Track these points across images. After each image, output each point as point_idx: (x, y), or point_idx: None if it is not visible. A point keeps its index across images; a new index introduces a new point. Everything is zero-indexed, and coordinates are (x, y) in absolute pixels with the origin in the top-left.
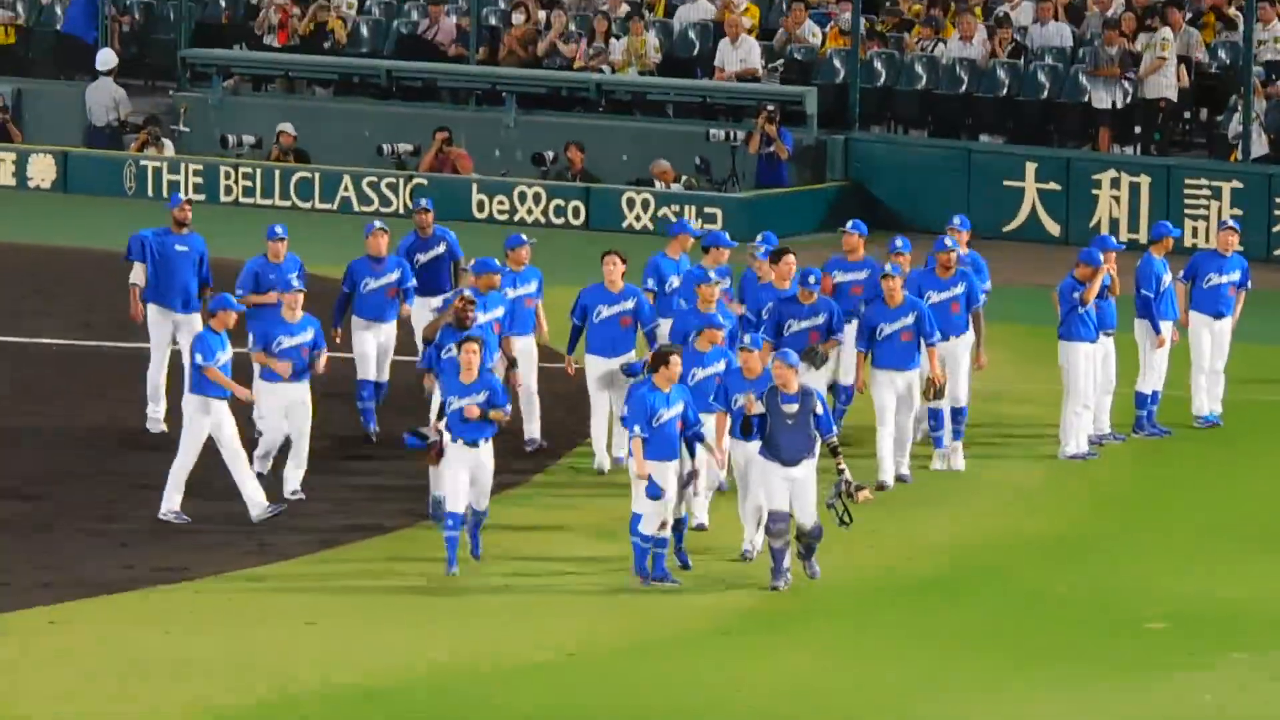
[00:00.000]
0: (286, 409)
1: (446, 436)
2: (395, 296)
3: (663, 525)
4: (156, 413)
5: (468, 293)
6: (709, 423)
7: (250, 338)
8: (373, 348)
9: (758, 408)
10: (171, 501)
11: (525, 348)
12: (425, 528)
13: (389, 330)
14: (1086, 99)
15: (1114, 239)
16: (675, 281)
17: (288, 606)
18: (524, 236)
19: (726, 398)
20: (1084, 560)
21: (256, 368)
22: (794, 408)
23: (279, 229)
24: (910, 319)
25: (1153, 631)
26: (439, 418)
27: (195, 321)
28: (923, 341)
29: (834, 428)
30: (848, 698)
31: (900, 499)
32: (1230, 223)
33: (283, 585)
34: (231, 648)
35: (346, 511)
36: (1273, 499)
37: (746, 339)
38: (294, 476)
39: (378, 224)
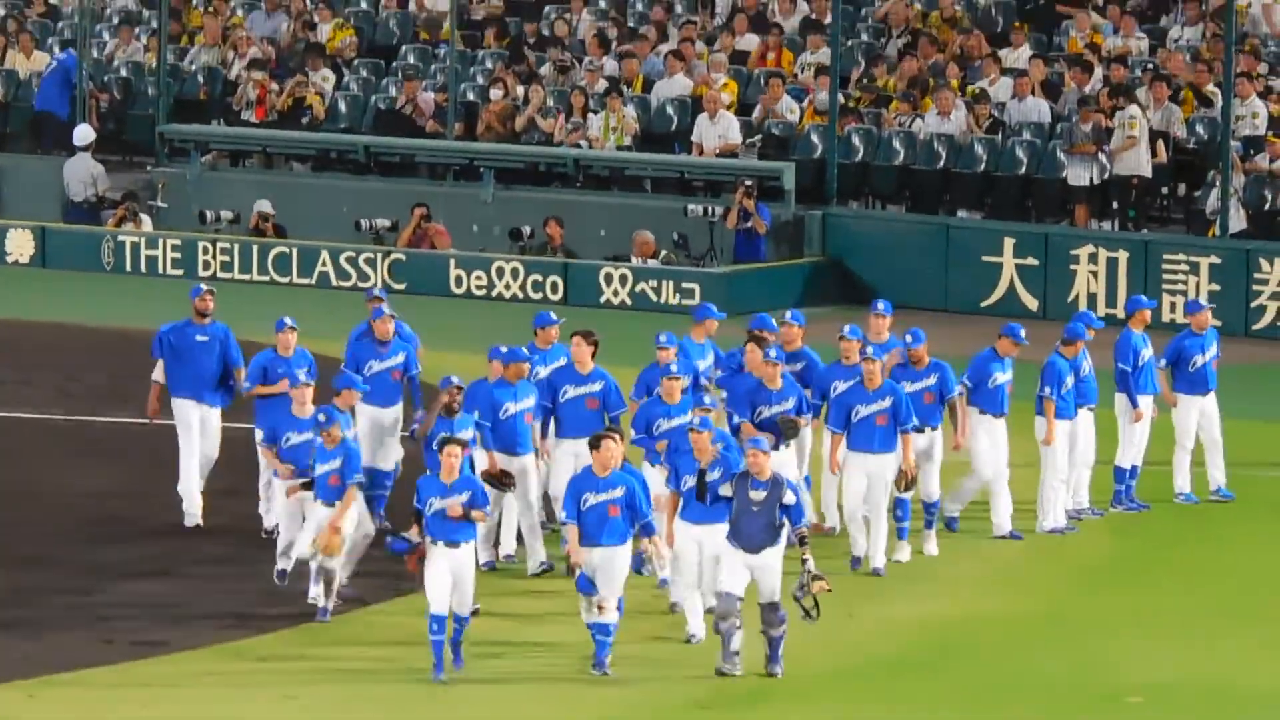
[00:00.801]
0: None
1: (427, 540)
2: (400, 380)
3: (601, 610)
4: (192, 509)
5: (456, 380)
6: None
7: (258, 433)
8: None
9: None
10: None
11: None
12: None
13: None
14: (1064, 175)
15: (1094, 315)
16: (701, 365)
17: (268, 679)
18: (552, 315)
19: (676, 479)
20: (1062, 636)
21: (262, 462)
22: (761, 495)
23: (288, 320)
24: (887, 403)
25: (1131, 706)
26: (418, 521)
27: (215, 416)
28: (898, 428)
29: (804, 518)
30: None
31: (875, 581)
32: (1202, 303)
33: (265, 657)
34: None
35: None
36: (1251, 575)
37: (696, 420)
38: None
39: (388, 305)
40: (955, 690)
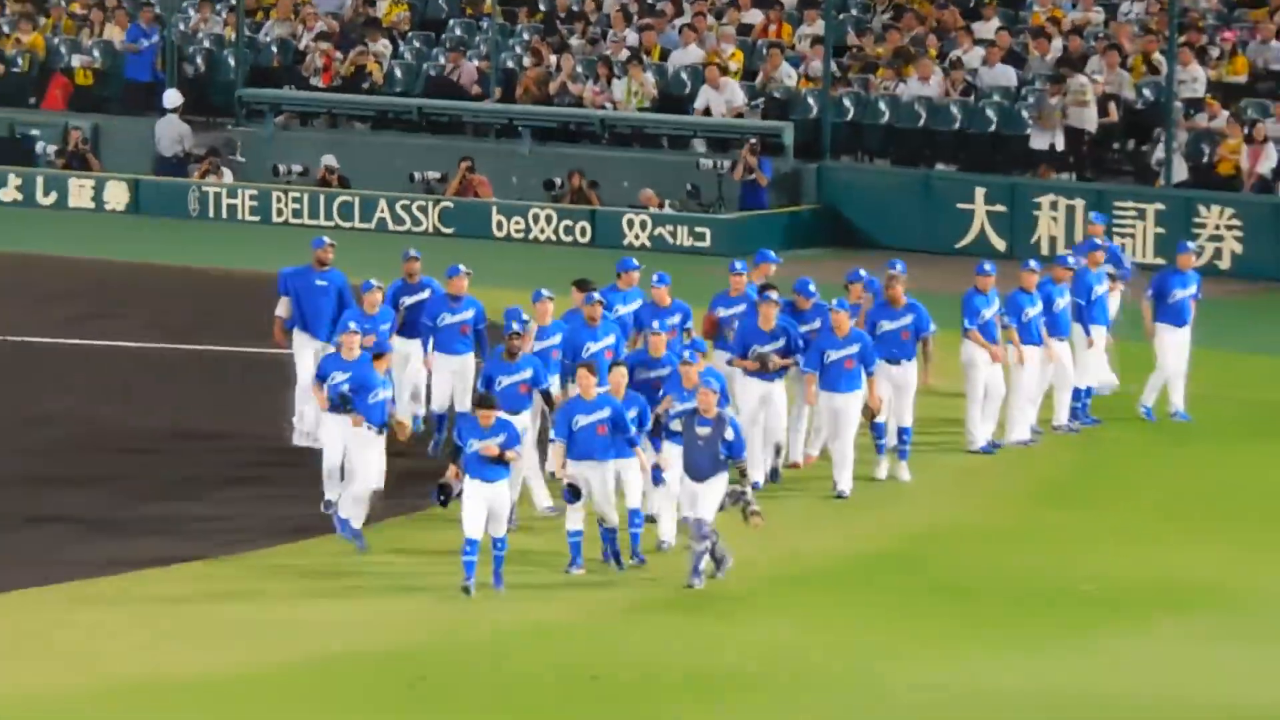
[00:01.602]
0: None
1: (465, 479)
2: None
3: (603, 520)
4: (302, 426)
5: (517, 326)
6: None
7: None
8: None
9: (674, 407)
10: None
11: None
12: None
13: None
14: (1028, 134)
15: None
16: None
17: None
18: (634, 261)
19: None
20: (1024, 540)
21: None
22: (707, 430)
23: (374, 282)
24: (855, 349)
25: (1084, 593)
26: (455, 459)
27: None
28: (863, 370)
29: (744, 451)
30: (819, 657)
31: (858, 497)
32: (1190, 245)
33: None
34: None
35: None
36: (1203, 483)
37: (686, 352)
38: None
39: (463, 269)
40: (933, 585)
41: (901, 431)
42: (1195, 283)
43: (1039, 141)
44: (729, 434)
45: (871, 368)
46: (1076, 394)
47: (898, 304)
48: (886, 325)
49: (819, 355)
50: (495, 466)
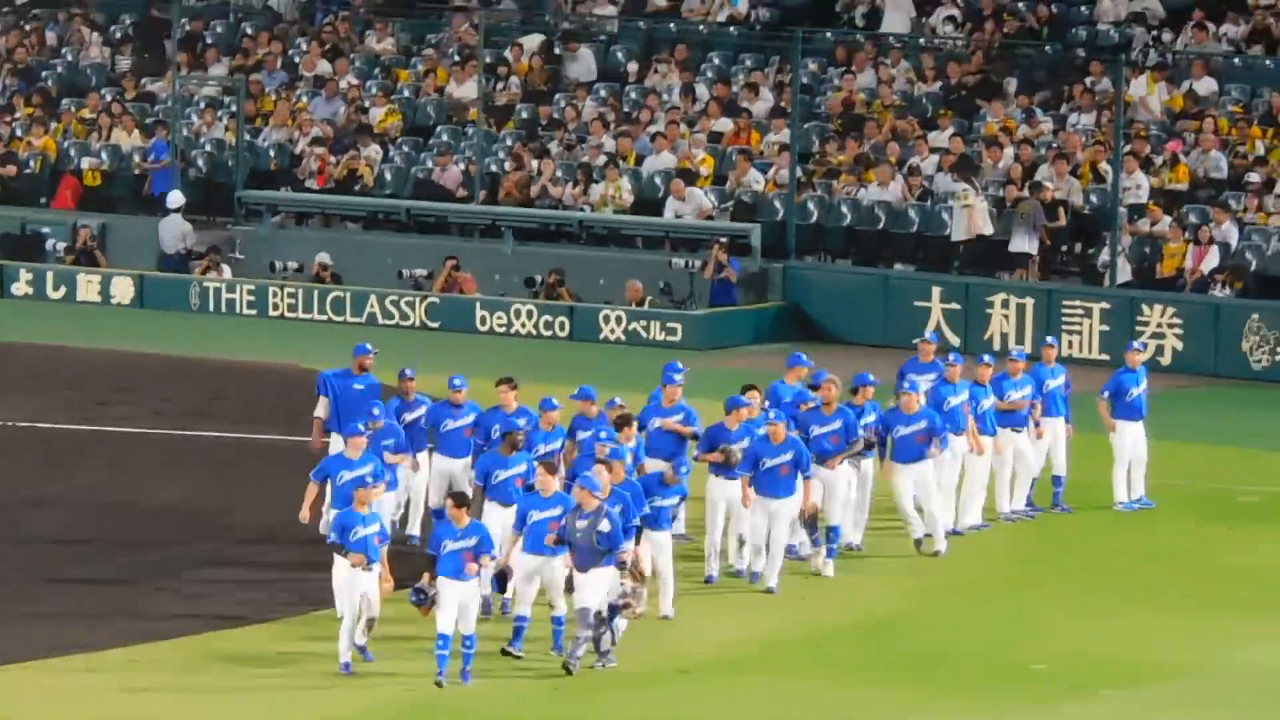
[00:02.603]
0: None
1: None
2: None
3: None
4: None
5: (523, 424)
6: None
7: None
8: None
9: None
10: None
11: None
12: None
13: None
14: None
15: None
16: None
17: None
18: (680, 364)
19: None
20: (978, 618)
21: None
22: (585, 524)
23: (409, 371)
24: (789, 455)
25: (1037, 672)
26: (430, 566)
27: None
28: (800, 474)
29: (621, 544)
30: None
31: (812, 581)
32: (1136, 344)
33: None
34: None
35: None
36: (1151, 562)
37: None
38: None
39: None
40: (889, 659)
41: (831, 530)
42: (1144, 378)
43: (1019, 244)
44: (604, 525)
45: (808, 472)
46: (1057, 481)
47: (830, 408)
48: (817, 430)
49: (754, 462)
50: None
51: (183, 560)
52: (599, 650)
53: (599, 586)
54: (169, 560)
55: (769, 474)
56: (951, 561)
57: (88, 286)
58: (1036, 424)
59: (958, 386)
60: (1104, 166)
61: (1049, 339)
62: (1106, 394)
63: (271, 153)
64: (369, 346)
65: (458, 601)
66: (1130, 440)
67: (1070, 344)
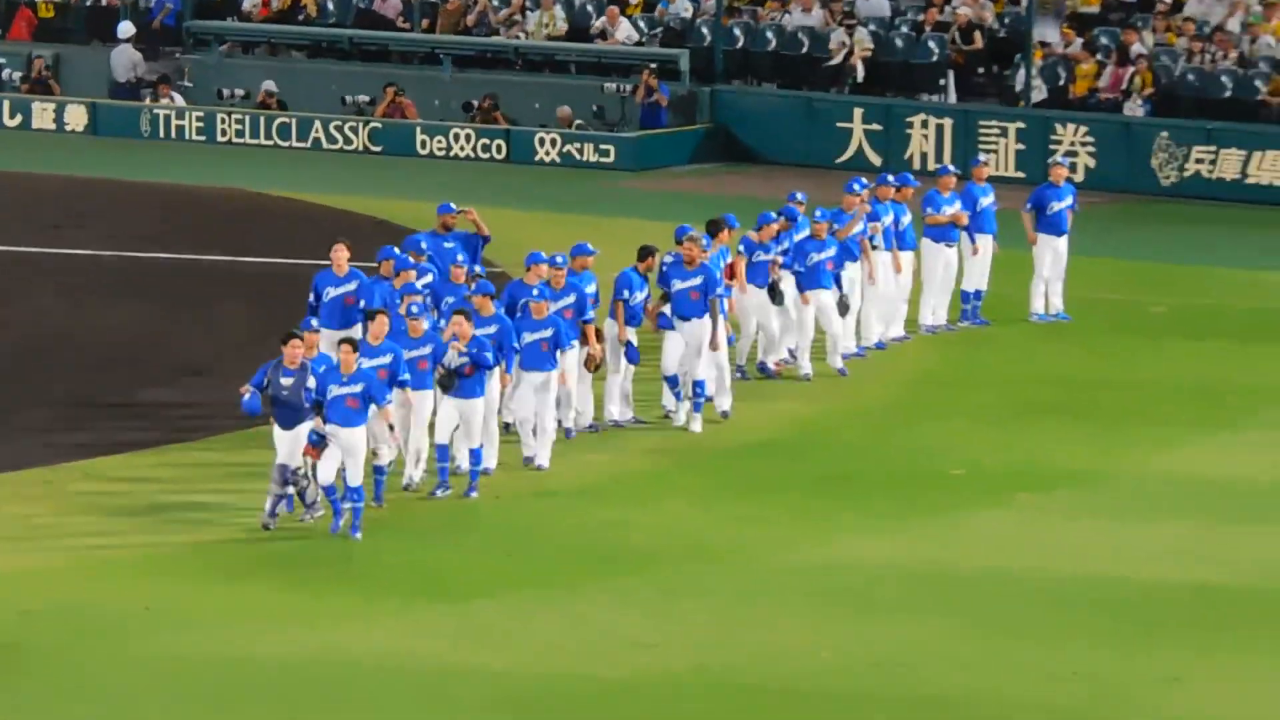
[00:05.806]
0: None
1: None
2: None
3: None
4: None
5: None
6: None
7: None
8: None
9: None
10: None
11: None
12: None
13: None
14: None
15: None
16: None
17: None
18: (690, 228)
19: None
20: (896, 430)
21: None
22: (290, 380)
23: (453, 206)
24: (699, 280)
25: (954, 479)
26: (318, 410)
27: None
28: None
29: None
30: (714, 535)
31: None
32: (1060, 159)
33: None
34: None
35: None
36: (1067, 374)
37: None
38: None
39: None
40: (816, 469)
41: (695, 384)
42: (1071, 195)
43: (1042, 34)
44: (310, 381)
45: (715, 292)
46: (965, 296)
47: (692, 265)
48: (679, 284)
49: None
50: (354, 413)
51: (130, 381)
52: (305, 502)
53: (298, 445)
54: (116, 381)
55: (681, 295)
56: (869, 378)
57: (42, 114)
58: (973, 240)
59: (886, 207)
60: None
61: (981, 157)
62: (1030, 206)
63: None
64: (454, 206)
65: (341, 449)
66: (1050, 254)
67: (988, 163)
